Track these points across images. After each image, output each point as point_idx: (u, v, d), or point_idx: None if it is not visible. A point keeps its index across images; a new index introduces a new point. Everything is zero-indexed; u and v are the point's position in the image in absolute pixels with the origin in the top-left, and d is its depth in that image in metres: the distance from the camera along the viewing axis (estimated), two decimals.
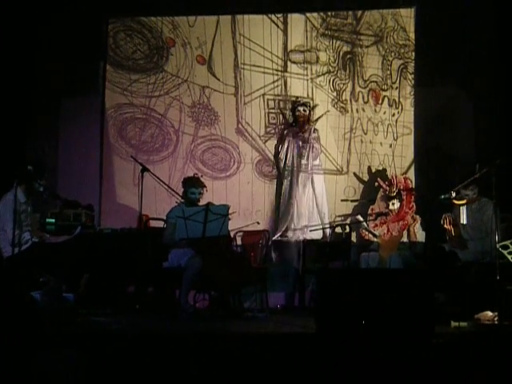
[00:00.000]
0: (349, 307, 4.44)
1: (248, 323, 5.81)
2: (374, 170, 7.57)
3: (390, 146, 7.61)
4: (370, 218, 6.89)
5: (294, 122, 7.55)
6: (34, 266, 5.66)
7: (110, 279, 6.50)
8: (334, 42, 7.77)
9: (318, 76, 7.75)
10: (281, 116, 7.74)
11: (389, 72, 7.67)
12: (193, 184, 6.48)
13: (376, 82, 7.69)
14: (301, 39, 7.80)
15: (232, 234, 6.79)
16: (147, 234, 6.73)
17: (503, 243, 5.39)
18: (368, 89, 7.70)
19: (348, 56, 7.75)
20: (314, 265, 7.10)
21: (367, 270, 6.06)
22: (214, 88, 7.85)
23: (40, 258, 5.67)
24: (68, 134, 7.86)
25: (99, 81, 7.96)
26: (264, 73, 7.81)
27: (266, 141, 7.77)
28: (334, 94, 7.72)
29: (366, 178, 7.60)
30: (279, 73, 7.81)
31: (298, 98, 7.65)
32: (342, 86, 7.73)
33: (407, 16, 7.67)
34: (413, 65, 7.64)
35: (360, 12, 7.76)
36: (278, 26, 7.84)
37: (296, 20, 7.81)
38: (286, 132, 7.59)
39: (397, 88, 7.66)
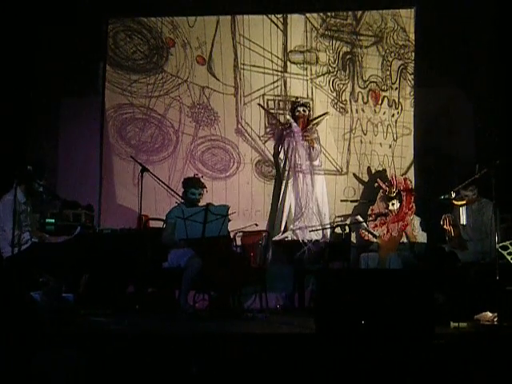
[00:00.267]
0: (348, 308, 4.44)
1: (248, 323, 5.80)
2: (373, 171, 7.58)
3: (390, 146, 7.61)
4: (370, 218, 6.89)
5: (294, 123, 7.55)
6: (34, 267, 5.65)
7: (109, 279, 6.49)
8: (334, 42, 7.78)
9: (318, 76, 7.76)
10: (281, 117, 7.73)
11: (388, 72, 7.67)
12: (193, 185, 6.48)
13: (376, 82, 7.69)
14: (301, 39, 7.80)
15: (232, 235, 6.79)
16: (147, 234, 6.73)
17: (503, 244, 5.38)
18: (368, 89, 7.70)
19: (348, 56, 7.76)
20: (313, 265, 7.10)
21: (367, 271, 6.05)
22: (214, 88, 7.85)
23: (40, 259, 5.66)
24: (68, 134, 7.86)
25: (99, 81, 7.96)
26: (264, 73, 7.81)
27: (265, 141, 7.77)
28: (334, 94, 7.72)
29: (365, 178, 7.60)
30: (279, 73, 7.81)
31: (297, 98, 7.66)
32: (341, 86, 7.73)
33: (407, 16, 7.67)
34: (412, 65, 7.65)
35: (360, 12, 7.76)
36: (277, 27, 7.84)
37: (296, 20, 7.82)
38: (285, 132, 7.58)
39: (396, 88, 7.66)
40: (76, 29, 7.72)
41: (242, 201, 7.66)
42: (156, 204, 7.36)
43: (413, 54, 7.64)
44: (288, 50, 7.81)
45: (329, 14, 7.80)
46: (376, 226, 6.81)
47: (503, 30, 7.29)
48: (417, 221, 6.82)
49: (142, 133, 7.91)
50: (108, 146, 7.89)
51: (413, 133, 7.59)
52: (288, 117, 7.61)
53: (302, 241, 7.15)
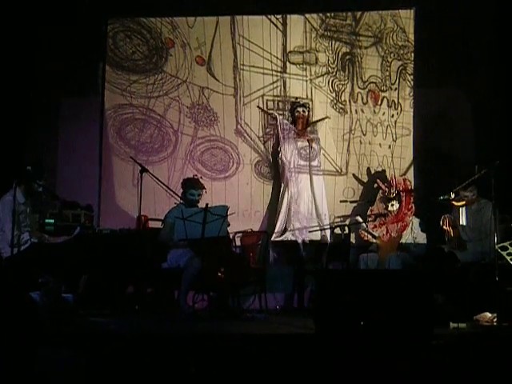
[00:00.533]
0: (348, 308, 4.44)
1: (247, 324, 5.80)
2: (373, 171, 7.57)
3: (389, 147, 7.61)
4: (369, 219, 6.90)
5: (293, 123, 7.55)
6: (33, 267, 5.65)
7: (109, 280, 6.49)
8: (334, 42, 7.77)
9: (317, 77, 7.75)
10: (281, 117, 7.72)
11: (388, 73, 7.67)
12: (192, 185, 6.48)
13: (375, 83, 7.69)
14: (300, 40, 7.80)
15: (231, 235, 6.80)
16: (146, 234, 6.74)
17: (502, 244, 5.39)
18: (367, 90, 7.70)
19: (347, 57, 7.76)
20: (313, 266, 7.10)
21: (366, 271, 6.06)
22: (214, 89, 7.85)
23: (39, 259, 5.67)
24: (68, 134, 7.85)
25: (99, 81, 7.95)
26: (263, 74, 7.81)
27: (265, 142, 7.77)
28: (333, 94, 7.72)
29: (365, 179, 7.60)
30: (278, 74, 7.81)
31: (297, 98, 7.66)
32: (341, 86, 7.73)
33: (406, 17, 7.67)
34: (412, 66, 7.64)
35: (359, 13, 7.76)
36: (277, 27, 7.84)
37: (295, 21, 7.81)
38: (285, 133, 7.58)
39: (396, 89, 7.66)
40: (76, 29, 7.72)
41: (242, 201, 7.66)
42: (155, 204, 7.36)
43: (412, 54, 7.64)
44: (287, 51, 7.81)
45: (328, 14, 7.80)
46: (375, 226, 6.81)
47: (503, 31, 7.29)
48: (416, 221, 6.81)
49: (141, 133, 7.90)
50: (107, 146, 7.89)
51: (412, 133, 7.59)
52: (280, 117, 7.60)
53: (302, 241, 7.16)
